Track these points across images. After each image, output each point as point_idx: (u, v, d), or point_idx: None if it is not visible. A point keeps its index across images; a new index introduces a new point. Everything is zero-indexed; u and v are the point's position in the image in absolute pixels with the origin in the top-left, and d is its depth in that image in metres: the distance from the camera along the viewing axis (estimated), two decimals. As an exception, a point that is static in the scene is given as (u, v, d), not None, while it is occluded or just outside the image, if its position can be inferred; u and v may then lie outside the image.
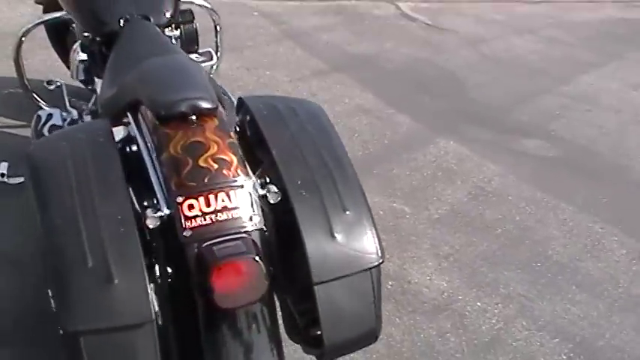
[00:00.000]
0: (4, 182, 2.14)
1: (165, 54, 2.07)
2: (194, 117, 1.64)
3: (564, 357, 2.47)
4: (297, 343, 1.78)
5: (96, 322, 1.39)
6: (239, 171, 1.60)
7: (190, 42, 2.62)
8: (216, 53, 2.89)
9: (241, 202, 1.57)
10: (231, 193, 1.57)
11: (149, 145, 1.74)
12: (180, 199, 1.54)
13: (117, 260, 1.43)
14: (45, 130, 2.51)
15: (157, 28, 2.34)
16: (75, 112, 2.66)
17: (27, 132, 2.62)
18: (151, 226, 1.55)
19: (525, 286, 2.82)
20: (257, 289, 1.51)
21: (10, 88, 3.47)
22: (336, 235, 1.60)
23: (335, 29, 5.41)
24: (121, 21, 2.33)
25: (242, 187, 1.59)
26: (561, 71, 5.24)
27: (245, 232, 1.56)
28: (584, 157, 4.00)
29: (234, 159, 1.62)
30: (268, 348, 1.62)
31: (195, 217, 1.55)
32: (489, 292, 2.75)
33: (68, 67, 2.64)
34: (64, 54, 2.96)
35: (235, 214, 1.57)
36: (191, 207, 1.54)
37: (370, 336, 1.67)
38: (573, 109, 4.59)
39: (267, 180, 1.68)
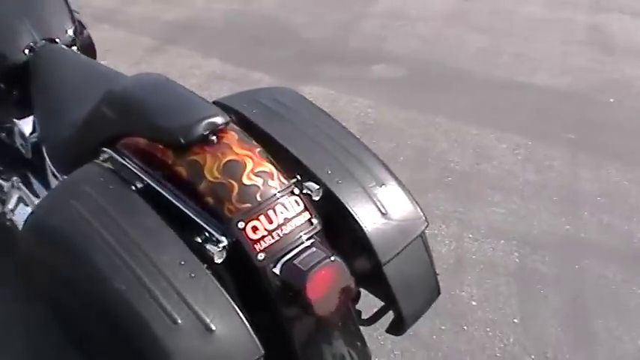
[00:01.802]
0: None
1: (115, 77, 1.95)
2: (214, 137, 1.59)
3: (516, 254, 2.75)
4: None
5: None
6: (282, 178, 1.58)
7: (91, 54, 2.44)
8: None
9: (298, 209, 1.57)
10: (286, 202, 1.54)
11: (158, 177, 1.66)
12: (242, 225, 1.48)
13: (205, 308, 1.36)
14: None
15: (70, 50, 2.17)
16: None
17: None
18: (219, 261, 1.51)
19: (451, 202, 3.05)
20: (349, 288, 1.54)
21: None
22: (385, 211, 1.65)
23: (137, 1, 5.19)
24: (26, 51, 2.12)
25: (293, 193, 1.57)
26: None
27: (312, 236, 1.58)
28: (428, 70, 4.28)
29: (272, 167, 1.59)
30: (358, 343, 1.67)
31: (262, 237, 1.51)
32: (429, 217, 2.93)
33: None
34: None
35: (297, 222, 1.55)
36: (255, 229, 1.49)
37: (435, 294, 1.76)
38: (392, 27, 4.85)
39: (300, 178, 1.69)
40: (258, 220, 1.51)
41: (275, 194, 1.55)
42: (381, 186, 1.70)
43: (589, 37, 4.74)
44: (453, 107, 3.82)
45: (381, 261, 1.60)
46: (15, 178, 2.16)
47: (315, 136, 1.77)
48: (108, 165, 1.70)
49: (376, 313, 1.75)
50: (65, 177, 1.95)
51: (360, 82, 4.07)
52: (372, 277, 1.64)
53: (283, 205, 1.55)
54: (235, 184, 1.53)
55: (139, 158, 1.69)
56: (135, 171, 1.68)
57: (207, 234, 1.53)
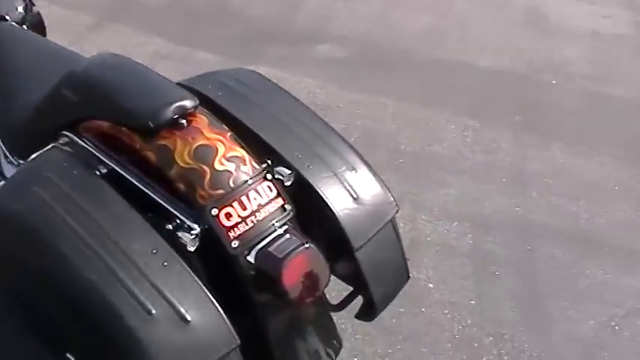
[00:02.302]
0: None
1: (72, 57, 1.87)
2: (184, 120, 1.54)
3: (470, 235, 2.78)
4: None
5: None
6: (254, 163, 1.54)
7: (41, 32, 2.33)
8: None
9: (271, 195, 1.54)
10: (259, 188, 1.51)
11: (124, 163, 1.59)
12: (215, 212, 1.45)
13: (180, 297, 1.32)
14: None
15: (21, 28, 2.06)
16: None
17: None
18: (192, 249, 1.47)
19: (403, 184, 3.06)
20: (324, 274, 1.52)
21: None
22: (357, 196, 1.63)
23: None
24: None
25: (265, 178, 1.53)
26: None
27: (286, 223, 1.55)
28: (373, 50, 4.26)
29: (244, 152, 1.55)
30: (330, 329, 1.66)
31: (236, 224, 1.47)
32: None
33: None
34: None
35: (271, 208, 1.51)
36: (229, 216, 1.46)
37: (405, 278, 1.76)
38: (337, 8, 4.81)
39: (270, 163, 1.65)
40: (231, 206, 1.47)
41: (248, 180, 1.51)
42: (351, 170, 1.68)
43: (528, 18, 4.81)
44: (399, 88, 3.82)
45: (354, 246, 1.59)
46: None
47: (282, 118, 1.74)
48: (69, 149, 1.63)
49: (345, 298, 1.74)
50: (21, 162, 1.87)
51: (307, 62, 4.03)
52: (343, 262, 1.63)
53: (256, 191, 1.52)
54: (207, 170, 1.49)
55: (102, 142, 1.62)
56: (99, 155, 1.61)
57: (178, 221, 1.48)
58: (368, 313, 1.70)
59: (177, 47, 4.03)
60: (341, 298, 1.72)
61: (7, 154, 1.91)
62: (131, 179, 1.54)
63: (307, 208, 1.62)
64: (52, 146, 1.61)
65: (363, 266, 1.62)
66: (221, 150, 1.52)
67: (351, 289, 1.72)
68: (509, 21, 4.75)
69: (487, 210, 2.93)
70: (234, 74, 1.89)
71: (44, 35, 2.31)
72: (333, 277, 1.66)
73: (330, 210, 1.58)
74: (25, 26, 2.13)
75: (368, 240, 1.62)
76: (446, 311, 2.41)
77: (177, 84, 1.78)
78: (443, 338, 2.31)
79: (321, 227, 1.63)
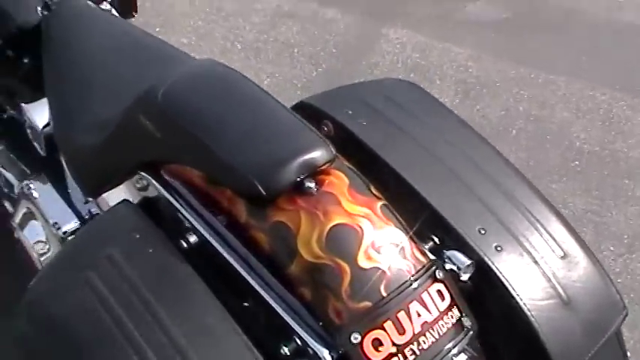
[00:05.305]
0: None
1: (164, 56, 1.35)
2: (313, 184, 0.98)
3: None
4: None
5: None
6: (417, 253, 1.01)
7: (127, 7, 1.79)
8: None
9: (442, 305, 1.00)
10: (425, 296, 0.98)
11: (221, 232, 1.08)
12: (357, 338, 0.93)
13: None
14: None
15: (99, 7, 1.55)
16: None
17: None
18: None
19: (583, 197, 2.39)
20: None
21: None
22: (568, 299, 1.08)
23: None
24: (39, 8, 1.51)
25: (434, 277, 0.99)
26: None
27: (464, 349, 1.01)
28: (535, 9, 3.52)
29: (402, 235, 1.01)
30: None
31: (389, 358, 0.94)
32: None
33: None
34: None
35: (443, 327, 0.99)
36: (378, 344, 0.94)
37: None
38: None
39: (437, 241, 1.10)
40: (382, 329, 0.95)
41: (409, 284, 0.97)
42: (560, 255, 1.11)
43: None
44: (570, 62, 3.09)
45: None
46: (26, 182, 1.57)
47: (452, 162, 1.17)
48: (145, 194, 1.14)
49: None
50: (89, 199, 1.40)
51: (453, 26, 3.34)
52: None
53: (421, 300, 0.96)
54: (347, 268, 0.96)
55: (194, 196, 1.11)
56: (188, 217, 1.10)
57: (299, 341, 0.98)
58: None
59: (301, 2, 3.43)
60: None
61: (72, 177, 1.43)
62: (237, 267, 1.03)
63: (488, 310, 1.08)
64: (124, 205, 1.11)
65: None
66: (368, 233, 0.99)
67: None
68: None
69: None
70: (379, 88, 1.34)
71: (134, 12, 1.77)
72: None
73: (527, 321, 1.05)
74: (106, 3, 1.60)
75: None
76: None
77: (300, 104, 1.24)
78: None
79: (509, 344, 1.11)
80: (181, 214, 1.10)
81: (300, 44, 3.12)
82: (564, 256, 1.11)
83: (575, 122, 2.75)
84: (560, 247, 1.11)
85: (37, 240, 1.51)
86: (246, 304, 1.05)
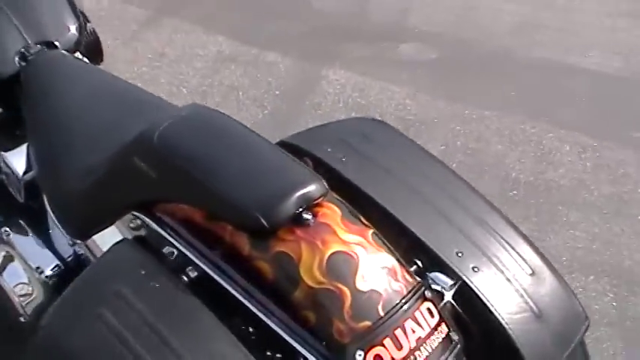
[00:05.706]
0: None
1: (144, 102, 1.42)
2: (310, 215, 1.07)
3: (611, 296, 2.27)
4: None
5: None
6: (407, 275, 1.10)
7: (96, 54, 1.85)
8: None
9: (432, 321, 1.10)
10: (417, 314, 1.07)
11: (222, 265, 1.14)
12: (360, 355, 1.01)
13: None
14: None
15: (74, 56, 1.61)
16: None
17: None
18: None
19: (524, 224, 2.53)
20: None
21: None
22: (539, 312, 1.19)
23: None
24: (16, 58, 1.56)
25: (423, 297, 1.09)
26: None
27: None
28: (463, 49, 3.72)
29: (393, 259, 1.10)
30: None
31: (390, 371, 1.03)
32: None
33: None
34: None
35: (434, 341, 1.08)
36: None
37: None
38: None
39: (421, 265, 1.20)
40: (382, 346, 1.03)
41: (403, 303, 1.06)
42: (530, 274, 1.22)
43: (635, 7, 4.19)
44: (500, 97, 3.28)
45: None
46: (4, 229, 1.60)
47: (431, 194, 1.28)
48: (138, 233, 1.21)
49: None
50: (77, 241, 1.43)
51: (389, 66, 3.50)
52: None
53: (413, 317, 1.07)
54: (347, 291, 1.05)
55: (189, 232, 1.17)
56: (188, 254, 1.17)
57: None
58: None
59: (242, 47, 3.54)
60: None
61: (57, 224, 1.46)
62: (237, 295, 1.10)
63: (469, 325, 1.19)
64: (127, 243, 1.17)
65: None
66: (363, 259, 1.08)
67: None
68: (612, 11, 4.13)
69: (627, 260, 2.41)
70: (355, 127, 1.44)
71: (101, 59, 1.83)
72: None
73: (505, 333, 1.15)
74: (79, 53, 1.66)
75: None
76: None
77: (280, 143, 1.32)
78: None
79: (490, 355, 1.20)
80: (179, 250, 1.16)
81: (244, 87, 3.21)
82: (532, 273, 1.22)
83: (509, 154, 2.93)
84: (528, 265, 1.23)
85: (17, 282, 1.52)
86: (251, 329, 1.11)
